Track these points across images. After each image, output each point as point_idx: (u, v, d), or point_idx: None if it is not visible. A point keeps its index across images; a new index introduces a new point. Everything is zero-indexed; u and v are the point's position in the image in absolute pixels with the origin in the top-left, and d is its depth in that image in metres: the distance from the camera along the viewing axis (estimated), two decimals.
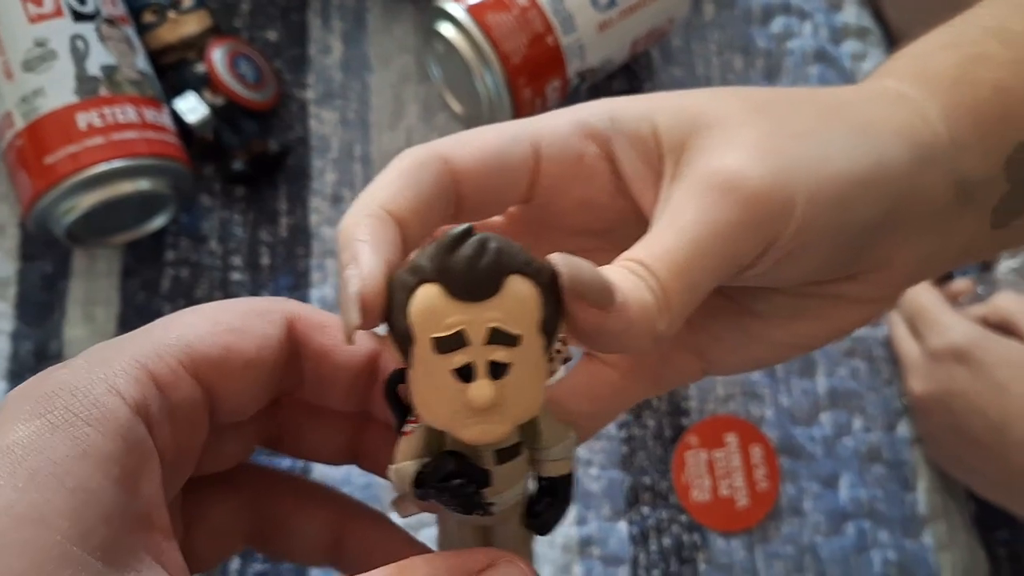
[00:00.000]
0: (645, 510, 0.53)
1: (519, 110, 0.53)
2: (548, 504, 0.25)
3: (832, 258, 0.27)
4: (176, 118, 0.51)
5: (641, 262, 0.23)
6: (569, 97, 0.57)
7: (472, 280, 0.22)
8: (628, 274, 0.23)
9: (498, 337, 0.22)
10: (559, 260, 0.22)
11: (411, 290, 0.22)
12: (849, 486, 0.56)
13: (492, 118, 0.54)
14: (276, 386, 0.27)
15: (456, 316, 0.22)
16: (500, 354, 0.22)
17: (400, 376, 0.24)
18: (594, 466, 0.53)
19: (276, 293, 0.52)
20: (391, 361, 0.27)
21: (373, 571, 0.23)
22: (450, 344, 0.22)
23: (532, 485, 0.26)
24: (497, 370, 0.22)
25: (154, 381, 0.23)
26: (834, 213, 0.25)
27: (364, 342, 0.27)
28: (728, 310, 0.29)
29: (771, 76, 0.63)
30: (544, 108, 0.55)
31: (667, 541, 0.52)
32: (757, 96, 0.28)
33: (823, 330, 0.29)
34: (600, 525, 0.52)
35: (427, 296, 0.22)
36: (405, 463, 0.24)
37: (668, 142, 0.26)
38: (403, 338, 0.22)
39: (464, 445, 0.23)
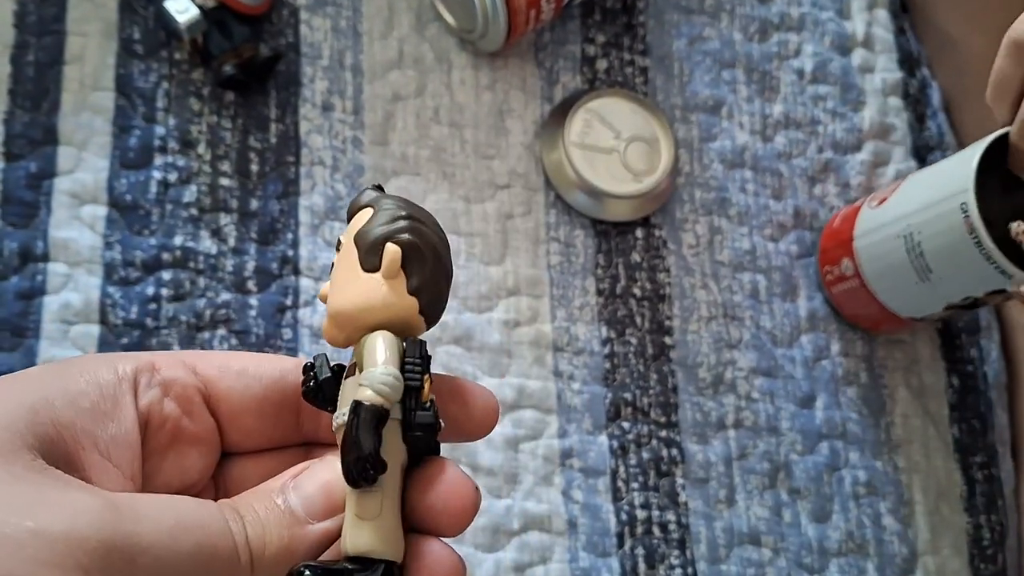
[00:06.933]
0: (626, 425, 0.54)
1: (514, 22, 0.53)
2: (351, 427, 0.25)
3: None
4: (166, 20, 0.50)
5: None
6: (564, 11, 0.56)
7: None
8: None
9: (337, 247, 0.28)
10: None
11: None
12: (824, 408, 0.57)
13: (486, 30, 0.54)
14: (287, 415, 0.30)
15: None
16: (335, 258, 0.28)
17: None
18: (576, 381, 0.53)
19: (265, 200, 0.52)
20: None
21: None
22: None
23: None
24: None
25: (152, 363, 0.28)
26: None
27: None
28: None
29: None
30: (538, 21, 0.54)
31: (646, 455, 0.53)
32: None
33: None
34: (581, 438, 0.53)
35: None
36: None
37: None
38: None
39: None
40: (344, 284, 0.27)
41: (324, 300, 0.27)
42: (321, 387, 0.27)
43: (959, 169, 0.49)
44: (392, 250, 0.26)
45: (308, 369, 0.28)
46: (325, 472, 0.27)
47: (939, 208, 0.49)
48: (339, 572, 0.25)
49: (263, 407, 0.29)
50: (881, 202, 0.54)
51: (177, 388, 0.28)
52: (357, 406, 0.25)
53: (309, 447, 0.31)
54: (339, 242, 0.28)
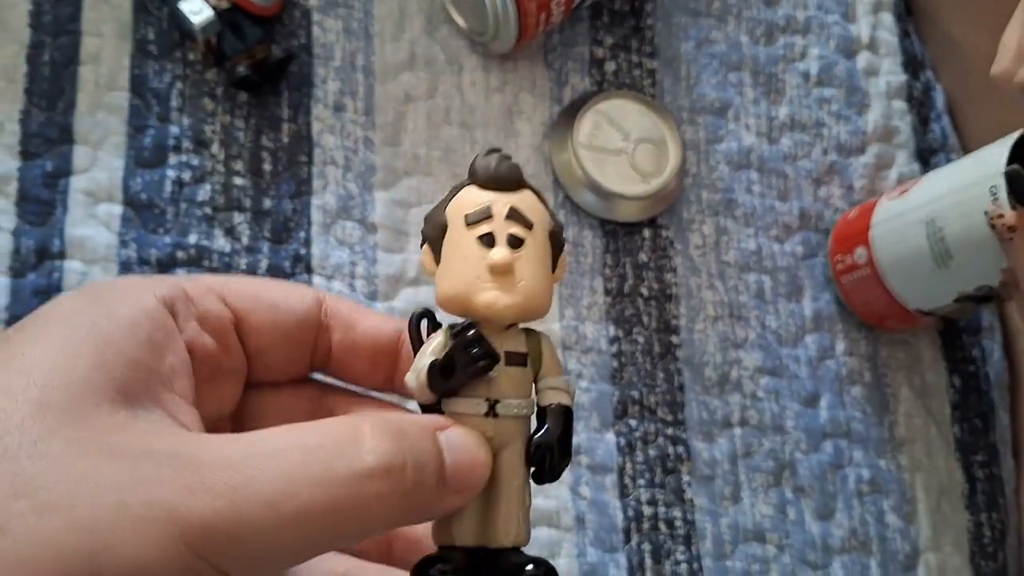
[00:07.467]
0: (633, 422, 0.54)
1: (524, 24, 0.53)
2: (546, 435, 0.26)
3: None
4: (180, 21, 0.51)
5: None
6: (573, 13, 0.57)
7: (497, 175, 0.27)
8: None
9: (516, 216, 0.26)
10: None
11: (453, 192, 0.27)
12: (828, 407, 0.57)
13: (497, 33, 0.54)
14: (307, 349, 0.30)
15: (485, 197, 0.27)
16: (517, 229, 0.26)
17: (422, 315, 0.28)
18: (584, 379, 0.54)
19: (278, 199, 0.53)
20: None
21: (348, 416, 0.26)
22: (478, 216, 0.26)
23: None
24: (515, 244, 0.26)
25: (184, 291, 0.27)
26: None
27: (390, 322, 0.30)
28: None
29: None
30: (548, 24, 0.55)
31: (653, 452, 0.54)
32: None
33: None
34: (589, 436, 0.54)
35: (463, 191, 0.27)
36: (423, 359, 0.26)
37: None
38: (438, 232, 0.27)
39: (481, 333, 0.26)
40: (542, 276, 0.27)
41: (507, 269, 0.26)
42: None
43: (989, 158, 0.49)
44: (566, 263, 0.28)
45: (470, 328, 0.26)
46: (476, 446, 0.25)
47: (967, 193, 0.50)
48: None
49: (288, 342, 0.29)
50: (903, 192, 0.55)
51: (212, 320, 0.27)
52: (570, 413, 0.27)
53: (321, 387, 0.31)
54: (488, 211, 0.26)
